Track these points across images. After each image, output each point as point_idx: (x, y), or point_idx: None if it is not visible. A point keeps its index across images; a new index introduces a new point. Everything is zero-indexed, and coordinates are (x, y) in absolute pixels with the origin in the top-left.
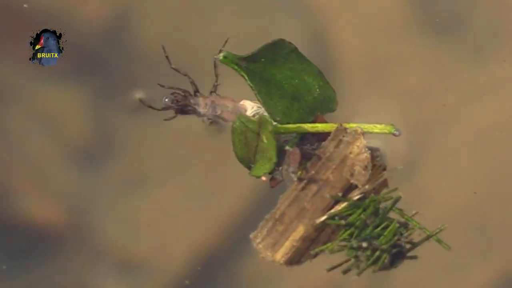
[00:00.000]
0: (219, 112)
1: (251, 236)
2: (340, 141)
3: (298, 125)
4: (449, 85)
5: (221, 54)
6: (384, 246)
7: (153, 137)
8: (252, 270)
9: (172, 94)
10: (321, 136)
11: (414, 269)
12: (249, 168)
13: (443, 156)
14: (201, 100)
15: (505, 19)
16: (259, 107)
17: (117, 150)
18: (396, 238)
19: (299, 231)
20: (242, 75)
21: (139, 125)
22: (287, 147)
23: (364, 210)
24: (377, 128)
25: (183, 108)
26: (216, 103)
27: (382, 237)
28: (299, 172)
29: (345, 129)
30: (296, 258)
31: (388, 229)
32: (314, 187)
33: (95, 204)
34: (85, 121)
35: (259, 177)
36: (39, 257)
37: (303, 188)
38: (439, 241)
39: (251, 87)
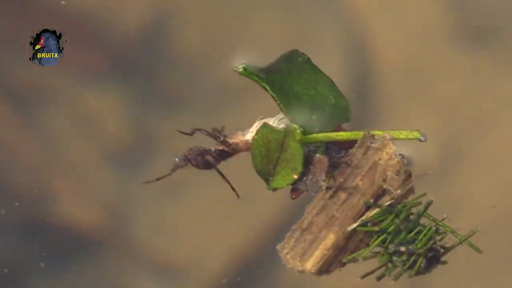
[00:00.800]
0: (233, 149)
1: (278, 247)
2: (368, 147)
3: (325, 133)
4: (487, 93)
5: (241, 66)
6: (421, 250)
7: (193, 142)
8: (287, 277)
9: (188, 153)
10: (344, 145)
11: (445, 275)
12: (267, 181)
13: (479, 163)
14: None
15: None
16: (260, 119)
17: (156, 154)
18: (431, 242)
19: (330, 239)
20: (264, 86)
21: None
22: (317, 155)
23: (397, 215)
24: (402, 134)
25: (200, 164)
26: (230, 143)
27: (417, 242)
28: (327, 181)
29: (373, 135)
30: (325, 267)
31: (423, 233)
32: (343, 195)
33: (133, 208)
34: (124, 125)
35: (278, 189)
36: (77, 258)
37: (332, 197)
38: (471, 244)
39: (274, 97)
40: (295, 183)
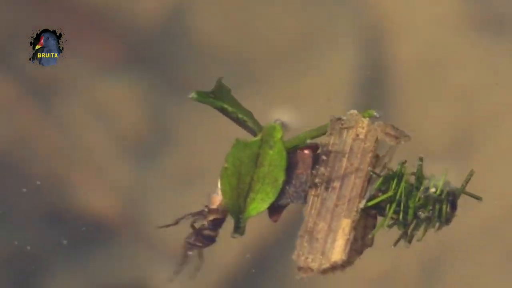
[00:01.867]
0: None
1: (294, 257)
2: (341, 130)
3: (306, 131)
4: (502, 87)
5: (193, 93)
6: (443, 194)
7: (210, 132)
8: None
9: (188, 241)
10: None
11: (461, 269)
12: (238, 222)
13: (493, 154)
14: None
15: None
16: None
17: (174, 144)
18: (447, 188)
19: (346, 224)
20: (221, 105)
21: (197, 120)
22: (298, 151)
23: (399, 177)
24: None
25: (205, 242)
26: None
27: (436, 188)
28: (314, 177)
29: (340, 118)
30: (351, 255)
31: (438, 180)
32: (336, 184)
33: (150, 197)
34: (140, 114)
35: (244, 231)
36: (93, 244)
37: (326, 189)
38: (470, 194)
39: (234, 112)
40: (276, 199)
